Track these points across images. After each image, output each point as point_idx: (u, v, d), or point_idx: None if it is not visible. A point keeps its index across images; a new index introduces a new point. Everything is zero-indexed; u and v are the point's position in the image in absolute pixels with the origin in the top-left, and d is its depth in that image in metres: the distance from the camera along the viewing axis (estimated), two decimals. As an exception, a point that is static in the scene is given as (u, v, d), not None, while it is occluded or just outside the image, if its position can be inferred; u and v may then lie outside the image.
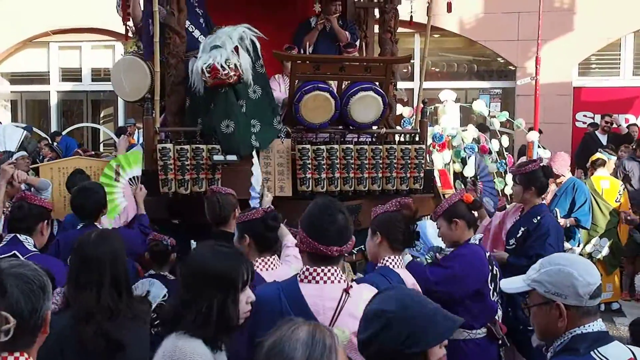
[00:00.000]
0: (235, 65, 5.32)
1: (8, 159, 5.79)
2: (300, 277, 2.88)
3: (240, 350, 2.82)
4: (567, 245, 7.66)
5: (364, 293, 2.91)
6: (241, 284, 2.56)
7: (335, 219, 2.86)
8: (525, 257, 5.06)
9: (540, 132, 11.33)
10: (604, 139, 12.01)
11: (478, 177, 6.27)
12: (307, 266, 2.88)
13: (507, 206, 5.87)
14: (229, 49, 5.35)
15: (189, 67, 5.52)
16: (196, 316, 2.49)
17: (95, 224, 4.79)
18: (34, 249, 4.07)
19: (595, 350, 2.49)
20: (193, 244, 4.86)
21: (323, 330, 1.81)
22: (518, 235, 5.24)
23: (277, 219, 3.91)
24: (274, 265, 3.89)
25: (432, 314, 2.23)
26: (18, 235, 4.05)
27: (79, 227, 4.83)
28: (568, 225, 7.66)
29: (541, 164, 5.45)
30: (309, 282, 2.85)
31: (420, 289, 3.73)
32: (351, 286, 2.88)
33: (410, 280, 3.63)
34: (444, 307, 4.15)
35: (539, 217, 5.24)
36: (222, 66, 5.25)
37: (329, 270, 2.86)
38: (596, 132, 12.40)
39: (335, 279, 2.88)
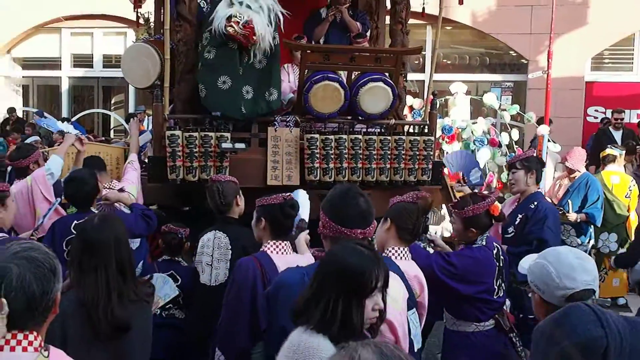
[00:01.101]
0: (259, 35, 5.41)
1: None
2: None
3: (272, 340, 2.85)
4: (577, 240, 7.63)
5: None
6: (370, 288, 2.46)
7: (357, 202, 2.90)
8: (525, 244, 5.11)
9: (550, 121, 11.29)
10: (617, 135, 11.86)
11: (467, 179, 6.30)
12: None
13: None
14: (264, 19, 5.46)
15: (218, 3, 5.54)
16: (322, 312, 2.43)
17: (92, 209, 4.82)
18: None
19: None
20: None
21: (386, 345, 1.70)
22: (516, 223, 5.30)
23: (294, 206, 3.97)
24: (286, 251, 3.95)
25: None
26: None
27: (74, 212, 4.89)
28: (579, 221, 7.62)
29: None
30: None
31: (423, 279, 3.74)
32: None
33: (411, 272, 3.59)
34: (451, 300, 4.17)
35: (535, 203, 5.35)
36: (256, 30, 5.35)
37: None
38: (609, 128, 12.28)
39: None
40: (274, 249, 3.94)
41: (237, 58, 5.55)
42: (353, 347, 1.70)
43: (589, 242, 7.86)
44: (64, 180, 5.14)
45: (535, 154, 5.60)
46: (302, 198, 4.81)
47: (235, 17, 5.35)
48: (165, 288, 4.53)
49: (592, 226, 7.89)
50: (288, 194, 4.13)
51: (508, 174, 5.79)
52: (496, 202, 4.35)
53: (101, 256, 3.03)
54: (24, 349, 1.99)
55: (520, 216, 5.31)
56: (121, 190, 5.16)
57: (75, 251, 3.12)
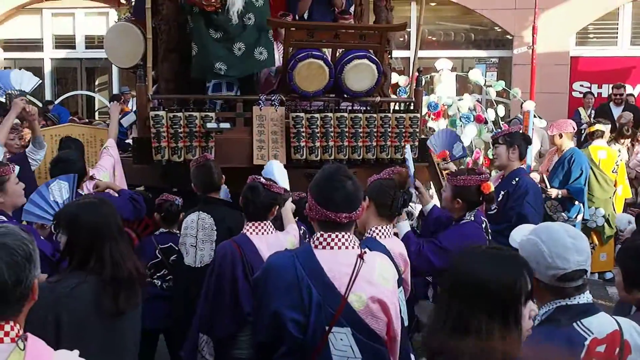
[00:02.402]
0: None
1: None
2: (314, 243, 2.83)
3: (260, 323, 2.81)
4: (564, 216, 7.63)
5: (377, 259, 2.90)
6: (527, 294, 2.06)
7: (343, 185, 2.81)
8: (506, 220, 5.15)
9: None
10: (617, 111, 11.58)
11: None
12: (321, 232, 2.83)
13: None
14: None
15: None
16: (474, 343, 1.98)
17: (79, 191, 4.68)
18: None
19: (579, 322, 2.46)
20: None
21: None
22: (499, 199, 5.34)
23: (254, 190, 4.01)
24: (266, 230, 3.96)
25: None
26: None
27: None
28: (560, 197, 7.62)
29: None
30: (323, 248, 2.80)
31: (407, 255, 3.76)
32: (365, 252, 2.84)
33: (397, 250, 3.62)
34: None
35: (517, 179, 5.44)
36: None
37: (342, 236, 2.82)
38: (610, 104, 12.09)
39: (349, 245, 2.83)
40: (253, 230, 3.97)
41: (200, 22, 5.48)
42: None
43: (576, 218, 7.86)
44: (50, 162, 5.02)
45: (520, 130, 5.62)
46: (276, 168, 4.82)
47: None
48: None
49: (577, 202, 7.88)
50: (259, 176, 4.20)
51: (492, 149, 5.82)
52: (490, 182, 4.35)
53: (113, 234, 2.97)
54: (0, 340, 1.91)
55: (502, 193, 5.38)
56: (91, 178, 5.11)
57: (80, 232, 2.96)
